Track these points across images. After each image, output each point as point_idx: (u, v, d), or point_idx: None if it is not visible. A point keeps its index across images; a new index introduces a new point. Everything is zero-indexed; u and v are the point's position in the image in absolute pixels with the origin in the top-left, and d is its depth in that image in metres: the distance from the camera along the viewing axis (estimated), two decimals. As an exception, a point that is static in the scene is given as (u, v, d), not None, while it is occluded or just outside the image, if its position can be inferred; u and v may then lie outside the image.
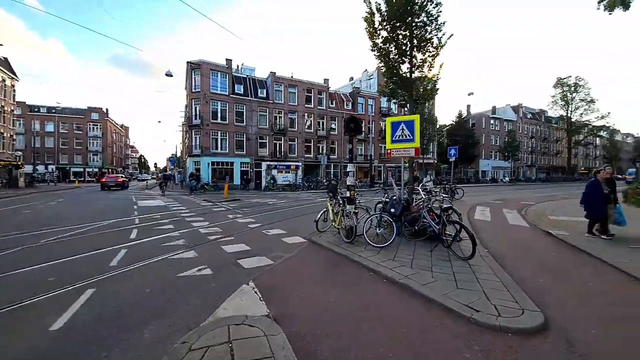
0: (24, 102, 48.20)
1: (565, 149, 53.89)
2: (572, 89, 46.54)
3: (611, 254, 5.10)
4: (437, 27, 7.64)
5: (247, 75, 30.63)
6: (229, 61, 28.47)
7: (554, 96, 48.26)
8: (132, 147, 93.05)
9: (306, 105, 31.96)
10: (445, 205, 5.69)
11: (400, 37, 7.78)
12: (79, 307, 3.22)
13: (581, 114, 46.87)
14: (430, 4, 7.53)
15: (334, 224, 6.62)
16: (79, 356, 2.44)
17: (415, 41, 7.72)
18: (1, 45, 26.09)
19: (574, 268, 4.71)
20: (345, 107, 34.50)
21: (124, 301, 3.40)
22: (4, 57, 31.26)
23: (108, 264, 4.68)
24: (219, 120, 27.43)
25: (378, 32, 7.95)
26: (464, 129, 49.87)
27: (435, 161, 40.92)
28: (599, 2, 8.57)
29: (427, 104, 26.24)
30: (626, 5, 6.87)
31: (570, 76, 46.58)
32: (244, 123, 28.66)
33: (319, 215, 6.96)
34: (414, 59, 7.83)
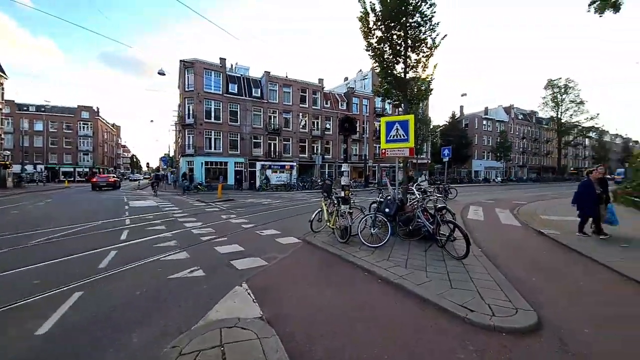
0: (13, 101, 47.07)
1: (555, 150, 54.86)
2: (562, 90, 47.49)
3: (602, 253, 5.17)
4: (431, 27, 7.67)
5: (241, 75, 30.42)
6: (222, 60, 28.24)
7: (544, 97, 49.23)
8: (124, 146, 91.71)
9: (301, 105, 31.88)
10: (439, 205, 5.69)
11: (395, 37, 7.79)
12: (65, 311, 3.13)
13: (571, 115, 47.89)
14: (425, 5, 7.55)
15: (328, 224, 6.59)
16: (65, 362, 2.35)
17: (409, 41, 7.73)
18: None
19: (565, 267, 4.76)
20: (339, 107, 34.52)
21: (112, 304, 3.31)
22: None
23: (97, 266, 4.56)
24: (212, 120, 27.17)
25: (372, 32, 7.95)
26: (457, 129, 50.42)
27: (429, 161, 41.24)
28: (589, 5, 8.73)
29: (421, 105, 26.46)
30: (616, 8, 7.00)
31: (560, 78, 47.59)
32: (238, 123, 28.44)
33: (313, 216, 6.92)
34: (408, 59, 7.85)
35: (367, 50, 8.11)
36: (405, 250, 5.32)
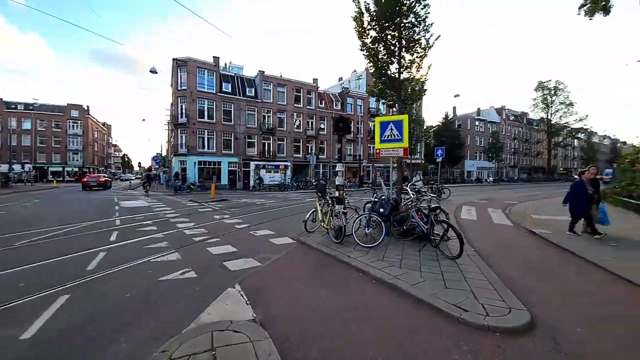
0: (1, 99, 45.85)
1: (545, 150, 55.86)
2: (552, 92, 48.37)
3: (594, 252, 5.25)
4: (424, 28, 7.70)
5: (235, 74, 30.16)
6: (216, 59, 27.97)
7: (535, 99, 50.09)
8: (115, 145, 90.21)
9: (295, 105, 31.79)
10: (433, 205, 5.71)
11: (389, 37, 7.80)
12: (51, 315, 3.03)
13: (560, 116, 48.83)
14: (418, 5, 7.58)
15: (322, 224, 6.55)
16: (49, 368, 2.27)
17: (403, 42, 7.75)
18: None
19: (557, 266, 4.81)
20: (334, 107, 34.53)
21: (100, 308, 3.22)
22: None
23: (85, 268, 4.45)
24: (206, 119, 26.89)
25: (367, 32, 7.95)
26: (450, 130, 50.92)
27: (423, 161, 41.56)
28: (579, 8, 8.88)
29: (414, 105, 26.60)
30: (606, 11, 7.12)
31: (550, 80, 48.44)
32: (232, 122, 28.21)
33: (307, 216, 6.88)
34: (402, 60, 7.87)
35: (361, 50, 8.11)
36: (400, 250, 5.32)
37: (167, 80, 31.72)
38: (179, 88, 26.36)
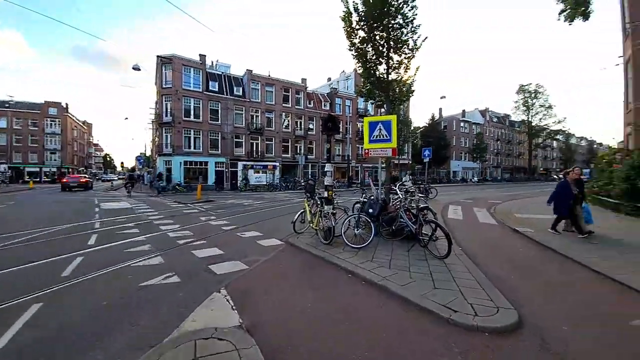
0: (-30, 95, 43.32)
1: (526, 151, 57.80)
2: (533, 95, 50.12)
3: (575, 250, 5.40)
4: (412, 29, 7.75)
5: (222, 72, 29.69)
6: (202, 57, 27.41)
7: (516, 102, 51.78)
8: (96, 145, 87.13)
9: (284, 105, 31.58)
10: (422, 205, 5.74)
11: (378, 37, 7.81)
12: (21, 326, 2.81)
13: (540, 118, 50.68)
14: (406, 7, 7.61)
15: (311, 225, 6.48)
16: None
17: (391, 43, 7.77)
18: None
19: (541, 265, 4.92)
20: (323, 107, 34.52)
21: (74, 317, 3.03)
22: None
23: (60, 275, 4.19)
24: (192, 118, 26.31)
25: (356, 32, 7.94)
26: (436, 131, 51.88)
27: (410, 162, 42.13)
28: (559, 14, 9.17)
29: (402, 106, 26.92)
30: (586, 16, 7.36)
31: (530, 83, 50.24)
32: (219, 121, 27.73)
33: (296, 217, 6.78)
34: (390, 61, 7.89)
35: (350, 49, 8.09)
36: (389, 250, 5.31)
37: (151, 77, 30.87)
38: (164, 86, 25.67)
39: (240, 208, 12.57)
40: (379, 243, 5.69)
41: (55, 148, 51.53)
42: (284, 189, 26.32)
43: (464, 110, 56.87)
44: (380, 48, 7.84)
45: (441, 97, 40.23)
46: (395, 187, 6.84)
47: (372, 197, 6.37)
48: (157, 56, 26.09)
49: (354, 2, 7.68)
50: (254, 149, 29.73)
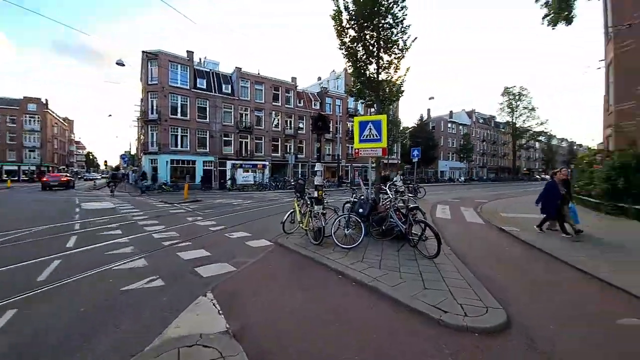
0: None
1: (510, 152, 59.44)
2: (517, 97, 51.58)
3: (560, 249, 5.52)
4: (402, 29, 7.78)
5: (211, 70, 29.15)
6: (190, 53, 26.84)
7: (501, 103, 53.18)
8: (78, 142, 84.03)
9: (273, 103, 31.30)
10: (411, 205, 5.75)
11: (368, 37, 7.80)
12: (-7, 334, 2.64)
13: (524, 120, 52.26)
14: (396, 7, 7.64)
15: (301, 225, 6.40)
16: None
17: (382, 42, 7.79)
18: None
19: (527, 264, 5.02)
20: (313, 106, 34.42)
21: (50, 324, 2.86)
22: None
23: (36, 279, 3.97)
24: (179, 116, 25.72)
25: (346, 30, 7.91)
26: (425, 131, 52.63)
27: (399, 161, 42.57)
28: (543, 18, 9.41)
29: (392, 106, 27.14)
30: (569, 21, 7.55)
31: (515, 86, 51.72)
32: (207, 119, 27.22)
33: (286, 217, 6.69)
34: (380, 60, 7.90)
35: (340, 48, 8.05)
36: (379, 250, 5.29)
37: (136, 73, 30.01)
38: (150, 83, 25.00)
39: (229, 208, 12.35)
40: (369, 243, 5.67)
41: (34, 146, 49.38)
42: (274, 189, 26.09)
43: (451, 112, 57.94)
44: (371, 48, 7.84)
45: (430, 98, 40.88)
46: (386, 186, 6.84)
47: (362, 197, 6.35)
48: (143, 52, 25.38)
49: (344, 0, 7.64)
50: (243, 147, 29.35)
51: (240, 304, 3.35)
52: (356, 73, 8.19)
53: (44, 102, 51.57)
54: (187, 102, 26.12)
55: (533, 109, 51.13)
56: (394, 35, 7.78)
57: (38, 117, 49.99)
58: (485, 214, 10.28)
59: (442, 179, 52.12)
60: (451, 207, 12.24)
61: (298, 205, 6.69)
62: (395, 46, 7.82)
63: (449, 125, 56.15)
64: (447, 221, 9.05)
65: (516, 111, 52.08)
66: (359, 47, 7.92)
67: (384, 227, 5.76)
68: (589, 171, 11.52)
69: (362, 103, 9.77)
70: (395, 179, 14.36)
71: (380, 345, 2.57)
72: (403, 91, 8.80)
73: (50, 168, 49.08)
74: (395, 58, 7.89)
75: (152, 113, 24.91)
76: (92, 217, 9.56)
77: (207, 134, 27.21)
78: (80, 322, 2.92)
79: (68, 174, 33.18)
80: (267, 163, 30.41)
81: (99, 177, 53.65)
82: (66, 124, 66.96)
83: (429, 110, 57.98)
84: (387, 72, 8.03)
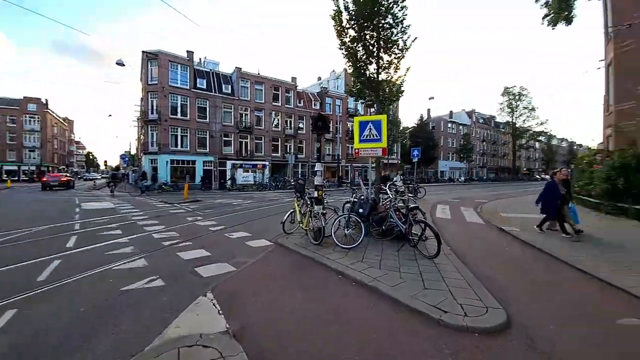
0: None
1: (510, 152, 59.45)
2: (517, 97, 51.56)
3: (560, 249, 5.52)
4: (402, 29, 7.78)
5: (211, 70, 29.14)
6: (190, 53, 26.83)
7: (501, 104, 53.18)
8: (78, 142, 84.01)
9: (273, 103, 31.29)
10: (411, 205, 5.75)
11: (368, 37, 7.80)
12: (-7, 334, 2.64)
13: (524, 120, 52.24)
14: (396, 7, 7.64)
15: (301, 225, 6.40)
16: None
17: (381, 42, 7.78)
18: None
19: (526, 264, 5.02)
20: (313, 106, 34.41)
21: (50, 324, 2.86)
22: None
23: (35, 279, 3.97)
24: (179, 116, 25.72)
25: (346, 30, 7.91)
26: (424, 131, 52.64)
27: (399, 161, 42.57)
28: (543, 18, 9.42)
29: (392, 106, 27.15)
30: (569, 21, 7.55)
31: (515, 86, 51.69)
32: (207, 119, 27.22)
33: (286, 217, 6.69)
34: (380, 60, 7.90)
35: (340, 48, 8.05)
36: (379, 250, 5.29)
37: (136, 73, 30.00)
38: (150, 83, 24.99)
39: (229, 208, 12.35)
40: (369, 243, 5.67)
41: (34, 146, 49.39)
42: (274, 189, 26.09)
43: (451, 112, 57.93)
44: (371, 48, 7.84)
45: (430, 98, 40.91)
46: (386, 186, 6.84)
47: (362, 197, 6.35)
48: (143, 52, 25.38)
49: (344, 0, 7.64)
50: (243, 147, 29.34)
51: (240, 304, 3.35)
52: (356, 73, 8.19)
53: (44, 102, 51.58)
54: (187, 102, 26.12)
55: (533, 109, 51.17)
56: (394, 35, 7.77)
57: (38, 117, 49.99)
58: (485, 214, 10.28)
59: (442, 179, 52.11)
60: (451, 207, 12.24)
61: (298, 205, 6.69)
62: (395, 46, 7.82)
63: (449, 125, 56.14)
64: (447, 221, 9.05)
65: (516, 111, 52.08)
66: (359, 47, 7.92)
67: (384, 227, 5.76)
68: (589, 171, 11.52)
69: (362, 103, 9.78)
70: (395, 179, 14.37)
71: (380, 345, 2.57)
72: (403, 91, 8.79)
73: (50, 168, 49.08)
74: (395, 58, 7.89)
75: (152, 113, 24.91)
76: (92, 217, 9.56)
77: (207, 134, 27.21)
78: (80, 322, 2.92)
79: (68, 174, 33.18)
80: (267, 163, 30.41)
81: (99, 177, 53.62)
82: (66, 124, 66.96)
83: (429, 110, 58.04)
84: (387, 72, 8.03)
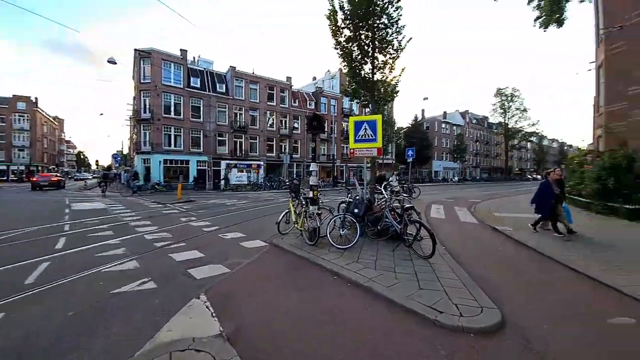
0: None
1: (503, 152, 60.16)
2: (509, 98, 52.20)
3: (552, 248, 5.58)
4: (397, 30, 7.80)
5: (205, 69, 28.88)
6: (183, 52, 26.54)
7: (494, 104, 53.75)
8: (68, 142, 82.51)
9: (268, 103, 31.15)
10: (406, 205, 5.75)
11: (363, 37, 7.81)
12: (-24, 340, 2.55)
13: (516, 121, 52.86)
14: (391, 7, 7.65)
15: (296, 225, 6.37)
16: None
17: (377, 42, 7.79)
18: None
19: (520, 263, 5.06)
20: (308, 106, 34.35)
21: (37, 329, 2.78)
22: None
23: (23, 282, 3.86)
24: (172, 115, 25.42)
25: (341, 30, 7.90)
26: (419, 131, 52.96)
27: (394, 161, 42.76)
28: (534, 20, 9.54)
29: (386, 107, 27.25)
30: (560, 23, 7.65)
31: (507, 87, 52.32)
32: (201, 119, 26.96)
33: (280, 217, 6.64)
34: (375, 60, 7.91)
35: (335, 48, 8.04)
36: (374, 250, 5.29)
37: (128, 72, 29.55)
38: (142, 81, 24.65)
39: (223, 208, 12.24)
40: (364, 243, 5.67)
41: (23, 145, 48.36)
42: (269, 189, 25.97)
43: (445, 112, 58.43)
44: (366, 48, 7.84)
45: (424, 99, 41.00)
46: (381, 186, 6.84)
47: (358, 197, 6.34)
48: (135, 50, 25.00)
49: (339, 0, 7.63)
50: (238, 147, 29.15)
51: (234, 306, 3.30)
52: (351, 73, 8.19)
53: (34, 100, 50.54)
54: (180, 101, 25.84)
55: (525, 110, 51.80)
56: (388, 36, 7.79)
57: (27, 116, 48.98)
58: (479, 213, 10.37)
59: (436, 179, 52.52)
60: (445, 207, 12.33)
61: (293, 205, 6.65)
62: (390, 46, 7.83)
63: (443, 125, 56.61)
64: (441, 221, 9.11)
65: (508, 112, 52.71)
66: (354, 47, 7.91)
67: (379, 227, 5.76)
68: (579, 171, 11.70)
69: (357, 103, 9.78)
70: (391, 179, 14.42)
71: (376, 346, 2.56)
72: (398, 91, 8.81)
73: (40, 168, 48.13)
74: (390, 58, 7.91)
75: (144, 112, 24.57)
76: (82, 218, 9.37)
77: (201, 133, 26.96)
78: (69, 326, 2.84)
79: (58, 174, 32.57)
80: (261, 163, 30.26)
81: (90, 177, 52.75)
82: (56, 123, 65.71)
83: (423, 110, 58.38)
84: (382, 72, 8.04)
